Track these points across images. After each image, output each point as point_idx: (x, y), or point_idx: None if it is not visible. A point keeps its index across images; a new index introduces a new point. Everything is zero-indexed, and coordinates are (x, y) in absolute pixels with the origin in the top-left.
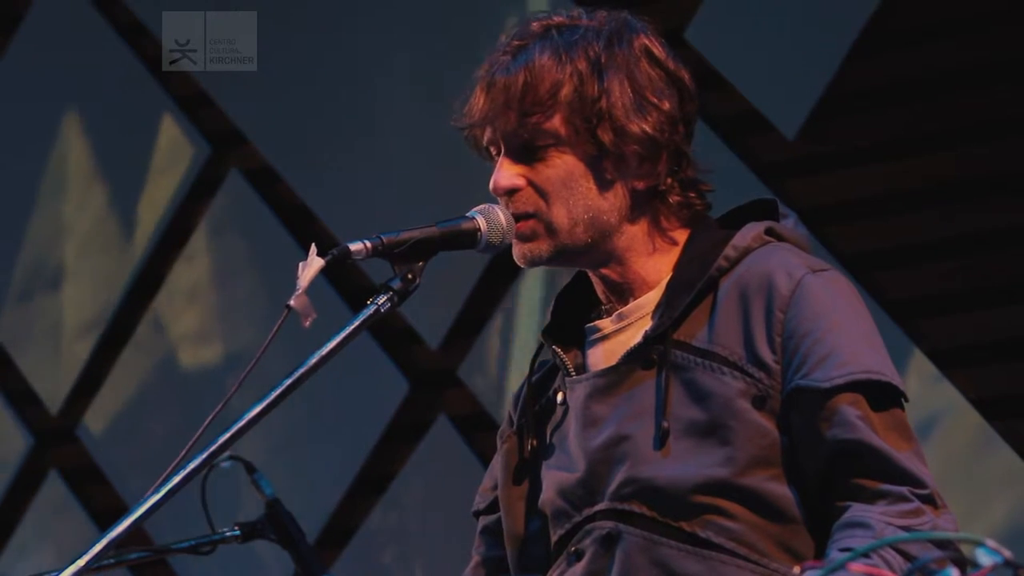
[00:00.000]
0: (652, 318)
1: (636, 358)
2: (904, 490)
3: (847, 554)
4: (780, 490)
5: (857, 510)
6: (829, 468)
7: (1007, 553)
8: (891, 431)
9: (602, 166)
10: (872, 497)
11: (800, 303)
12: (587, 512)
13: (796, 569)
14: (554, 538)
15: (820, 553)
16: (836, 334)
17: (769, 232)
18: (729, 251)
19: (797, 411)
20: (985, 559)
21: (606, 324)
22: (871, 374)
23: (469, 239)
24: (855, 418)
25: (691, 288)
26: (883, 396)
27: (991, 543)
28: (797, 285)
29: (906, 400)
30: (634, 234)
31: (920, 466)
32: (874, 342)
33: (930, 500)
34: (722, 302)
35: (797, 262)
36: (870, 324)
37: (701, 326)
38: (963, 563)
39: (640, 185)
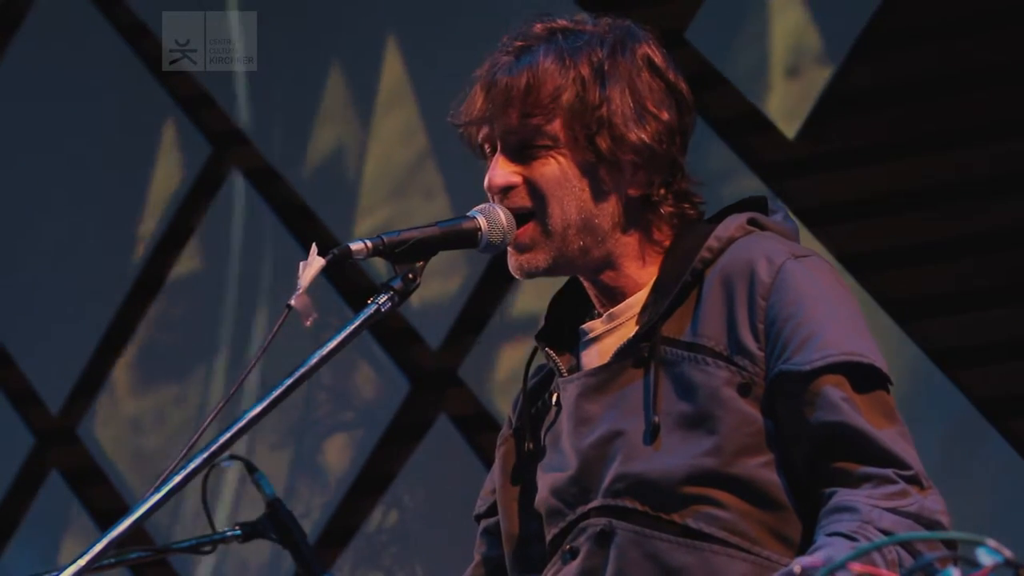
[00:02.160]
0: (641, 316)
1: (626, 356)
2: (889, 472)
3: (842, 547)
4: (769, 477)
5: (843, 495)
6: (814, 451)
7: (1008, 553)
8: (874, 413)
9: (597, 172)
10: (857, 481)
11: (781, 289)
12: (581, 510)
13: (796, 569)
14: (548, 537)
15: (810, 538)
16: (817, 318)
17: (752, 222)
18: (712, 242)
19: (781, 396)
20: (986, 559)
21: (597, 325)
22: (852, 356)
23: (470, 238)
24: (838, 399)
25: (676, 283)
26: (866, 378)
27: (992, 543)
28: (778, 271)
29: (891, 383)
30: (626, 242)
31: (905, 446)
32: (857, 325)
33: (915, 481)
34: (707, 293)
35: (779, 249)
36: (854, 308)
37: (687, 320)
38: (956, 560)
39: (633, 192)
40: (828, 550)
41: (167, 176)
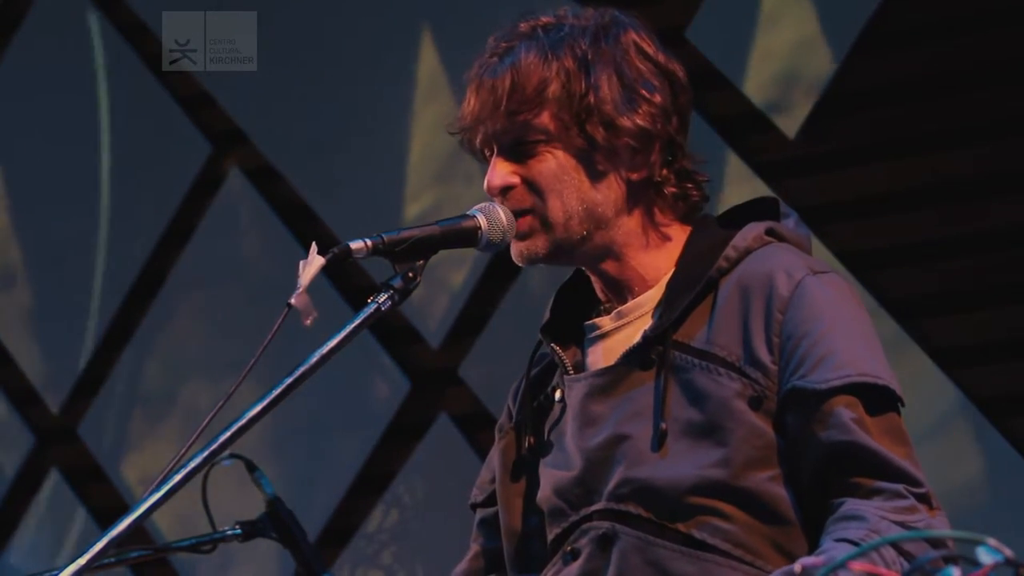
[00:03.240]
0: (652, 317)
1: (635, 358)
2: (899, 487)
3: (847, 552)
4: (776, 491)
5: (852, 504)
6: (824, 469)
7: (1008, 552)
8: (885, 434)
9: (593, 159)
10: (868, 494)
11: (799, 304)
12: (584, 511)
13: (797, 568)
14: (550, 536)
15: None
16: (834, 336)
17: (770, 232)
18: (729, 251)
19: (793, 412)
20: (986, 558)
21: (605, 322)
22: (867, 377)
23: (470, 237)
24: (849, 420)
25: (691, 288)
26: (879, 400)
27: (992, 542)
28: (796, 286)
29: (903, 404)
30: (630, 227)
31: (915, 468)
32: (872, 345)
33: (925, 499)
34: (722, 302)
35: (798, 263)
36: (869, 327)
37: (700, 327)
38: (956, 560)
39: (634, 176)
40: (832, 553)
41: (167, 175)
